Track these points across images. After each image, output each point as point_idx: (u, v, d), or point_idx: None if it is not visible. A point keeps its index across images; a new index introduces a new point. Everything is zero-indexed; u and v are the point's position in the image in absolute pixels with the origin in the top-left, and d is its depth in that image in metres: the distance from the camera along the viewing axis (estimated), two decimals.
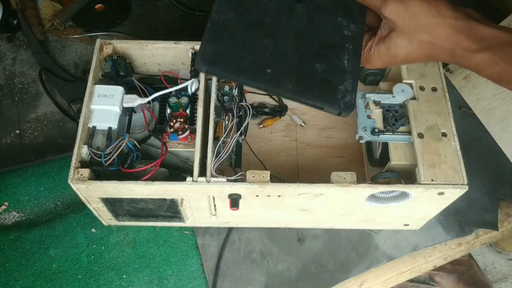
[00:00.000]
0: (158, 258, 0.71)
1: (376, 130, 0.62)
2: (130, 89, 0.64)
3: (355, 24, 0.49)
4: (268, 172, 0.57)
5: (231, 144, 0.60)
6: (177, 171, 0.61)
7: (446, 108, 0.62)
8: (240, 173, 0.57)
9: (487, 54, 0.45)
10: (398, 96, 0.63)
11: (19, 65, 0.88)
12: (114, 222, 0.69)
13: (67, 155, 0.77)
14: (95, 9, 0.94)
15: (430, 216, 0.69)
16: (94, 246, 0.71)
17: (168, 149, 0.61)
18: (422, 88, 0.64)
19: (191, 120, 0.62)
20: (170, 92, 0.63)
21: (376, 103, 0.64)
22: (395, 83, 0.64)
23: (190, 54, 0.65)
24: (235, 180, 0.57)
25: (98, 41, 0.65)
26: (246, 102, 0.68)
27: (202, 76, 0.63)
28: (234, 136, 0.61)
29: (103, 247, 0.71)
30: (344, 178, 0.57)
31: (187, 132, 0.61)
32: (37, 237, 0.71)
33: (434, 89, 0.64)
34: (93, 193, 0.58)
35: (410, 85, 0.64)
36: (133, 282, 0.69)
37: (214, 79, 0.63)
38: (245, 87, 0.70)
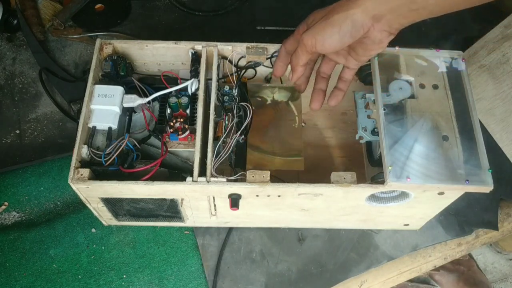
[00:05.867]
0: (158, 258, 0.71)
1: (376, 130, 0.62)
2: (130, 89, 0.64)
3: None
4: (268, 172, 0.57)
5: (231, 144, 0.60)
6: (177, 171, 0.61)
7: (448, 107, 0.60)
8: (240, 173, 0.57)
9: None
10: (395, 94, 0.60)
11: (19, 65, 0.88)
12: (114, 222, 0.69)
13: (67, 155, 0.77)
14: (95, 9, 0.94)
15: (430, 216, 0.69)
16: (94, 246, 0.71)
17: (168, 149, 0.61)
18: (422, 86, 0.61)
19: (191, 120, 0.62)
20: (170, 92, 0.63)
21: None
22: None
23: (190, 54, 0.65)
24: (235, 180, 0.57)
25: (98, 41, 0.65)
26: (248, 101, 0.67)
27: (202, 76, 0.63)
28: (234, 136, 0.61)
29: (103, 247, 0.71)
30: (344, 178, 0.57)
31: (187, 132, 0.61)
32: (37, 237, 0.71)
33: (435, 87, 0.61)
34: (93, 193, 0.58)
35: (409, 82, 0.61)
36: (133, 282, 0.69)
37: (214, 79, 0.63)
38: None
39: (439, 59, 0.63)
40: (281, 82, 0.70)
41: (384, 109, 0.58)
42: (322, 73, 0.62)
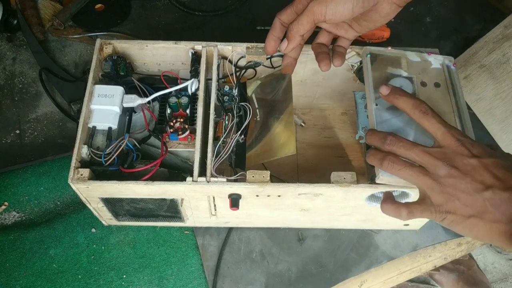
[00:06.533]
0: (158, 258, 0.71)
1: None
2: (130, 89, 0.64)
3: None
4: (268, 172, 0.57)
5: (231, 144, 0.60)
6: (177, 171, 0.62)
7: (451, 106, 0.59)
8: (240, 173, 0.57)
9: None
10: None
11: (19, 65, 0.88)
12: (114, 222, 0.69)
13: (67, 155, 0.77)
14: (95, 9, 0.94)
15: None
16: (94, 246, 0.71)
17: (168, 149, 0.61)
18: (423, 84, 0.60)
19: (191, 120, 0.62)
20: (170, 92, 0.63)
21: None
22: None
23: (190, 54, 0.65)
24: (235, 180, 0.57)
25: (98, 41, 0.65)
26: (248, 101, 0.67)
27: (202, 76, 0.63)
28: (234, 136, 0.61)
29: (103, 247, 0.71)
30: (344, 178, 0.57)
31: (187, 132, 0.61)
32: (37, 237, 0.71)
33: (437, 85, 0.60)
34: (93, 193, 0.58)
35: (410, 79, 0.60)
36: (133, 282, 0.69)
37: (214, 79, 0.63)
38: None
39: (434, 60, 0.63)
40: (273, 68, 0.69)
41: (376, 104, 0.58)
42: (319, 43, 0.62)
